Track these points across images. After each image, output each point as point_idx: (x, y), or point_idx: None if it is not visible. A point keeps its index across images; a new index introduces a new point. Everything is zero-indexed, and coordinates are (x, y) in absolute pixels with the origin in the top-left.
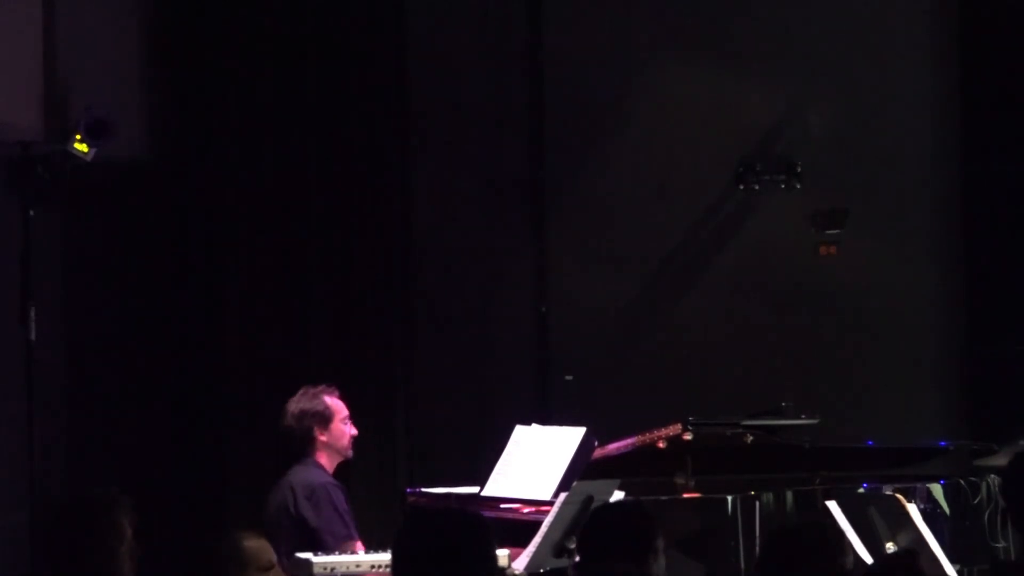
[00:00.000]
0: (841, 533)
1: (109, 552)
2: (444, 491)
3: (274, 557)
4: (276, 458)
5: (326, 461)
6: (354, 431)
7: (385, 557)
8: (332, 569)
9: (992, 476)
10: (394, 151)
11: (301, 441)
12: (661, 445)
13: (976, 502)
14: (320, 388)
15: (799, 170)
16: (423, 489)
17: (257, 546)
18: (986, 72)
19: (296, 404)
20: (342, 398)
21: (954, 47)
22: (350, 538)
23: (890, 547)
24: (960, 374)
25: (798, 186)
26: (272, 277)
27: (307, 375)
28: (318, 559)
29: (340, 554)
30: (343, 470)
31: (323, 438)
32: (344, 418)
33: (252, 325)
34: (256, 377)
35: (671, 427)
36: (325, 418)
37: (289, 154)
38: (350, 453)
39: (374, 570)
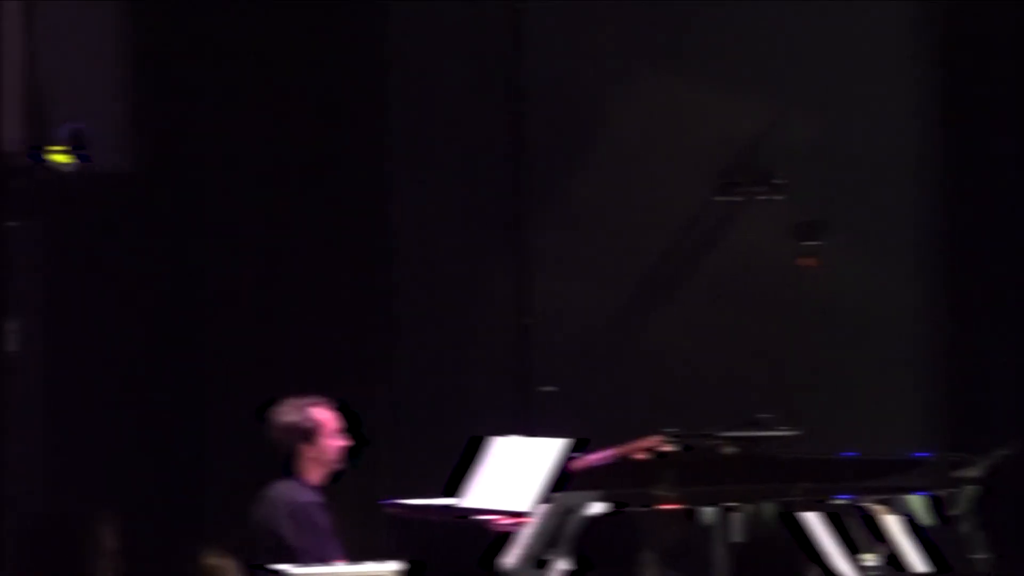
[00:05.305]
0: (804, 547)
1: (88, 567)
2: (421, 502)
3: None
4: (258, 473)
5: (313, 475)
6: (343, 442)
7: (364, 569)
8: None
9: (971, 487)
10: (375, 164)
11: (286, 455)
12: (641, 457)
13: (955, 514)
14: (308, 400)
15: (779, 181)
16: (399, 500)
17: (221, 565)
18: (968, 84)
19: (282, 416)
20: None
21: (936, 59)
22: (329, 559)
23: (869, 559)
24: (941, 385)
25: (778, 198)
26: (253, 289)
27: (288, 388)
28: (295, 571)
29: (318, 565)
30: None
31: (310, 454)
32: (333, 431)
33: (233, 337)
34: (237, 390)
35: (651, 439)
36: (311, 433)
37: (270, 166)
38: (339, 465)
39: None
